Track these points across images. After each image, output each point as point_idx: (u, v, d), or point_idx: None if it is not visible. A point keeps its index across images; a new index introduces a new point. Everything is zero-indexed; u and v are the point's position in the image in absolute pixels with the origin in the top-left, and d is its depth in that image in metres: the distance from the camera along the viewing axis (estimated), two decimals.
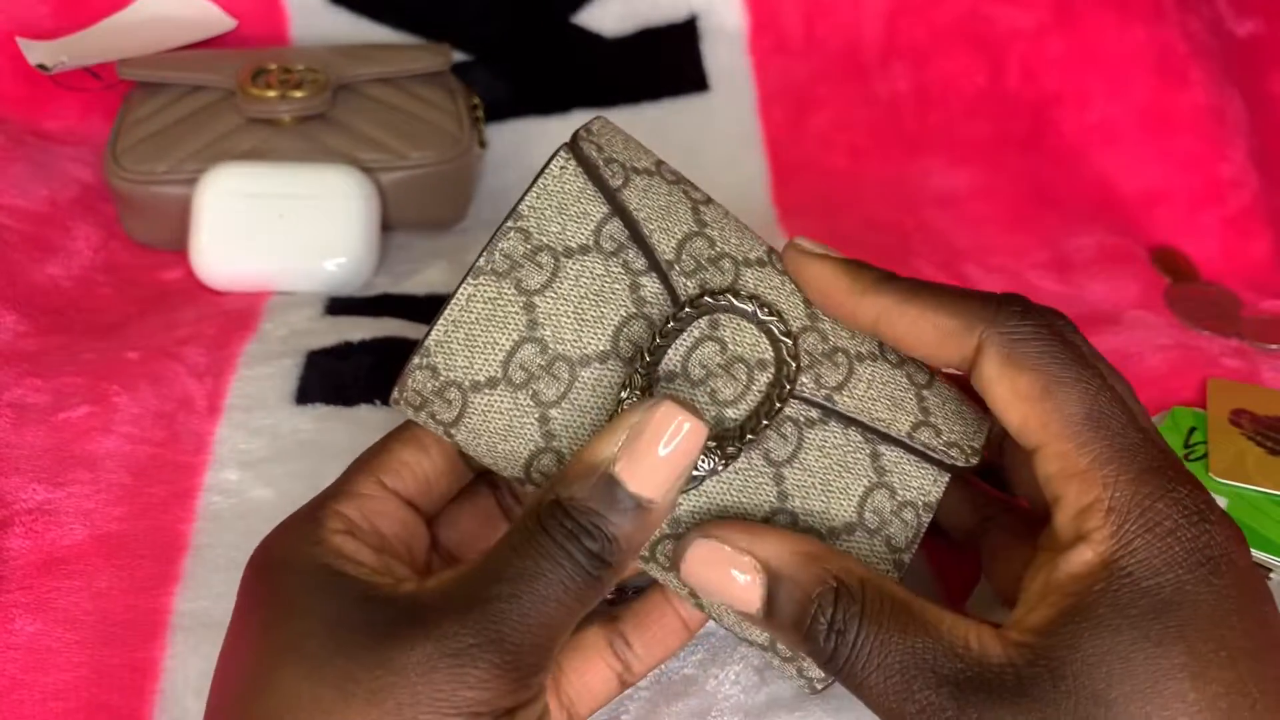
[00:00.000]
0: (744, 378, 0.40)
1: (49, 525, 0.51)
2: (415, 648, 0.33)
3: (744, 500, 0.40)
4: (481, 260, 0.39)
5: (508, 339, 0.39)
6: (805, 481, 0.40)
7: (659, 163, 0.43)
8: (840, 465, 0.40)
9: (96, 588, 0.48)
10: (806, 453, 0.40)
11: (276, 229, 0.69)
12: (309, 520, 0.38)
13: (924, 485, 0.41)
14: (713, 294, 0.40)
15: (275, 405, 0.59)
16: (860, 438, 0.41)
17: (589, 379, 0.39)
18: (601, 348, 0.39)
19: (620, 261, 0.40)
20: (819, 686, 0.41)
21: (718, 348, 0.40)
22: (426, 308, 0.68)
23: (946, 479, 0.42)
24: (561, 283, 0.39)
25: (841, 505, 0.40)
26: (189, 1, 0.83)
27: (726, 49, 0.86)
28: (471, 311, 0.39)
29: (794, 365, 0.40)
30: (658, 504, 0.35)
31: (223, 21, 0.83)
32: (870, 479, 0.41)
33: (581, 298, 0.39)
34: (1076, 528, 0.35)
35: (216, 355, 0.62)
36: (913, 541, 0.41)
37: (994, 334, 0.37)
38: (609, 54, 0.85)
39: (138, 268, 0.73)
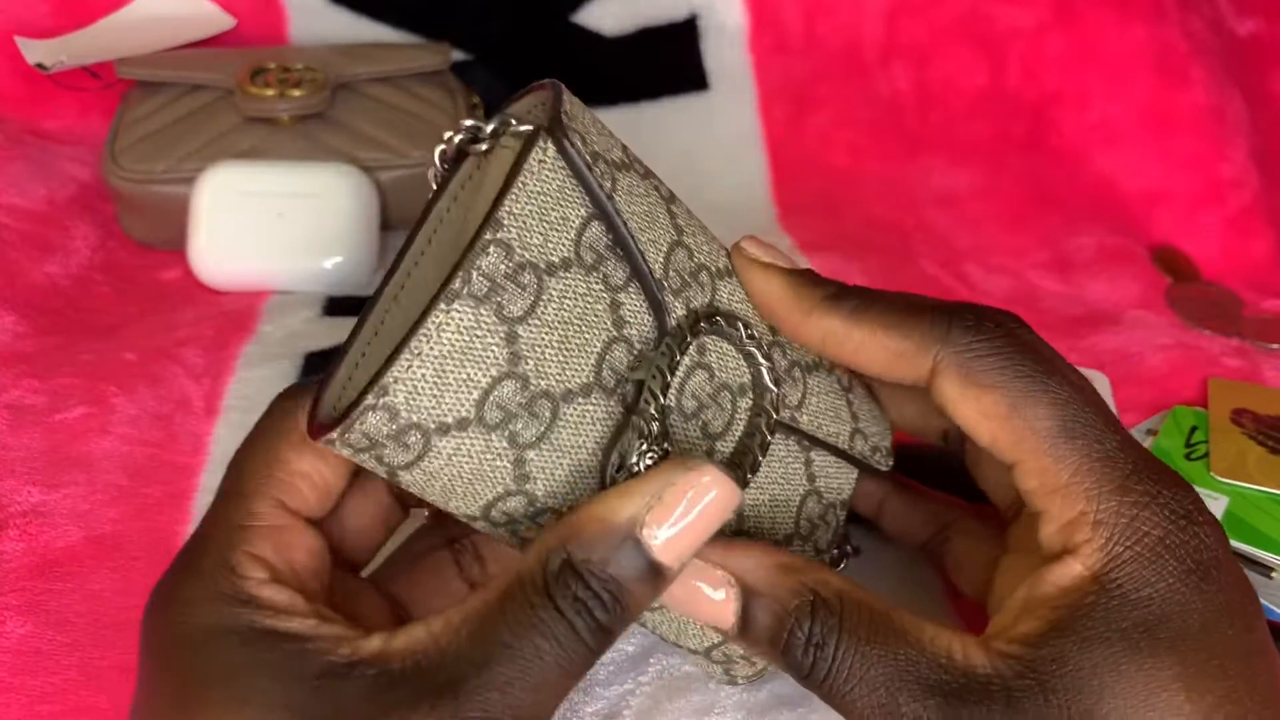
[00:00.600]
0: (729, 406, 0.38)
1: (43, 527, 0.50)
2: None
3: None
4: (457, 283, 0.31)
5: (485, 375, 0.32)
6: (758, 499, 0.39)
7: (625, 148, 0.37)
8: (784, 477, 0.39)
9: (89, 590, 0.48)
10: (760, 469, 0.38)
11: (275, 228, 0.69)
12: (222, 569, 0.33)
13: (843, 485, 0.40)
14: (705, 318, 0.36)
15: None
16: (797, 446, 0.39)
17: (572, 416, 0.34)
18: (585, 380, 0.34)
19: (600, 276, 0.34)
20: (740, 682, 0.40)
21: (706, 376, 0.37)
22: None
23: (856, 473, 0.40)
24: (546, 307, 0.33)
25: (785, 517, 0.39)
26: (187, 1, 0.83)
27: (727, 48, 0.86)
28: (443, 343, 0.31)
29: (775, 392, 0.38)
30: (673, 572, 0.32)
31: (221, 20, 0.83)
32: (805, 486, 0.39)
33: (566, 323, 0.33)
34: (1063, 541, 0.34)
35: (214, 357, 0.62)
36: (833, 542, 0.40)
37: (949, 354, 0.35)
38: (609, 53, 0.85)
39: (136, 267, 0.72)
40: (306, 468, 0.36)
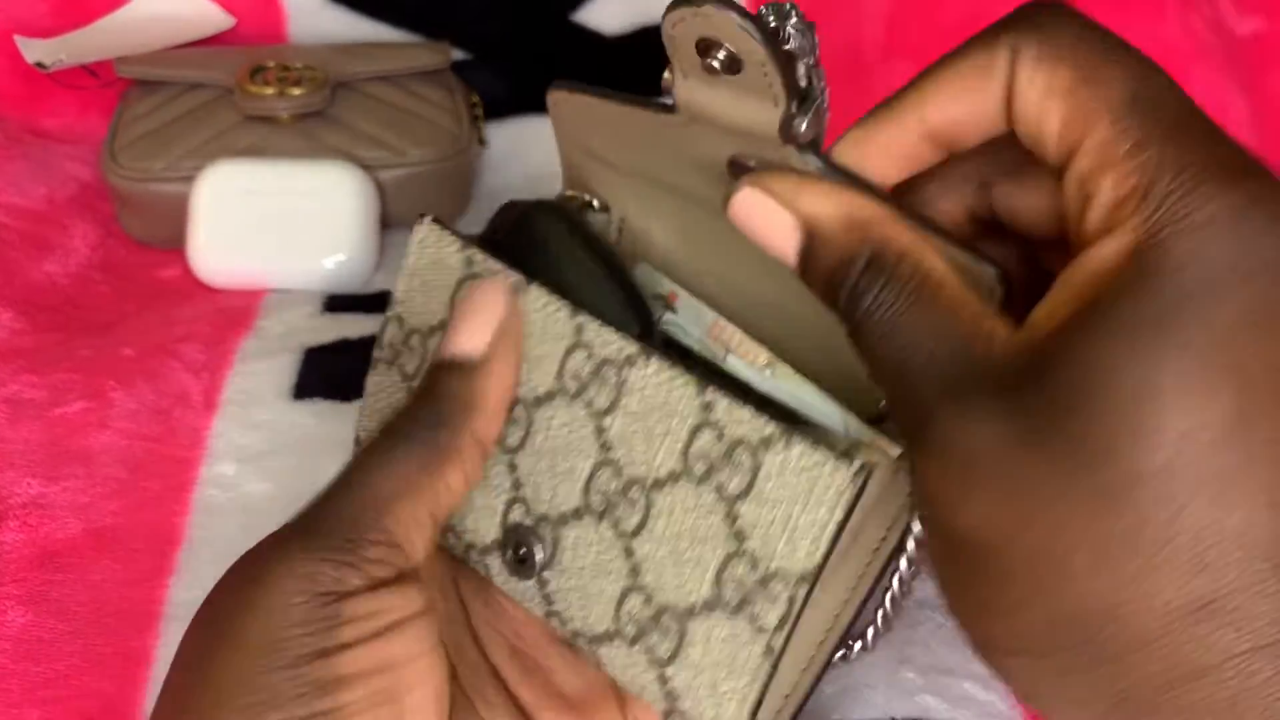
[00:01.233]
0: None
1: (43, 519, 0.50)
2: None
3: (596, 584, 0.36)
4: (374, 352, 0.41)
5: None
6: (655, 552, 0.35)
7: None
8: (690, 532, 0.35)
9: (90, 580, 0.48)
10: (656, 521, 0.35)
11: (275, 226, 0.69)
12: None
13: (797, 551, 0.33)
14: None
15: (272, 401, 0.58)
16: (714, 496, 0.34)
17: None
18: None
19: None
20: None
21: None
22: None
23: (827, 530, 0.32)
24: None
25: (695, 575, 0.34)
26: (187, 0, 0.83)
27: None
28: (379, 400, 0.41)
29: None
30: (474, 355, 0.37)
31: (221, 19, 0.83)
32: (727, 547, 0.34)
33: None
34: (1108, 221, 0.28)
35: (213, 351, 0.62)
36: (787, 619, 0.33)
37: (1024, 39, 0.30)
38: (608, 52, 0.85)
39: (135, 265, 0.72)
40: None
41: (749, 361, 0.39)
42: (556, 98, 0.42)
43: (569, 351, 0.36)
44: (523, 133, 0.83)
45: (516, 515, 0.38)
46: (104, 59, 0.78)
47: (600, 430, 0.36)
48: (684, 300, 0.41)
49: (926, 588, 0.49)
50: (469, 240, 0.40)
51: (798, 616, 0.33)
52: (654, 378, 0.35)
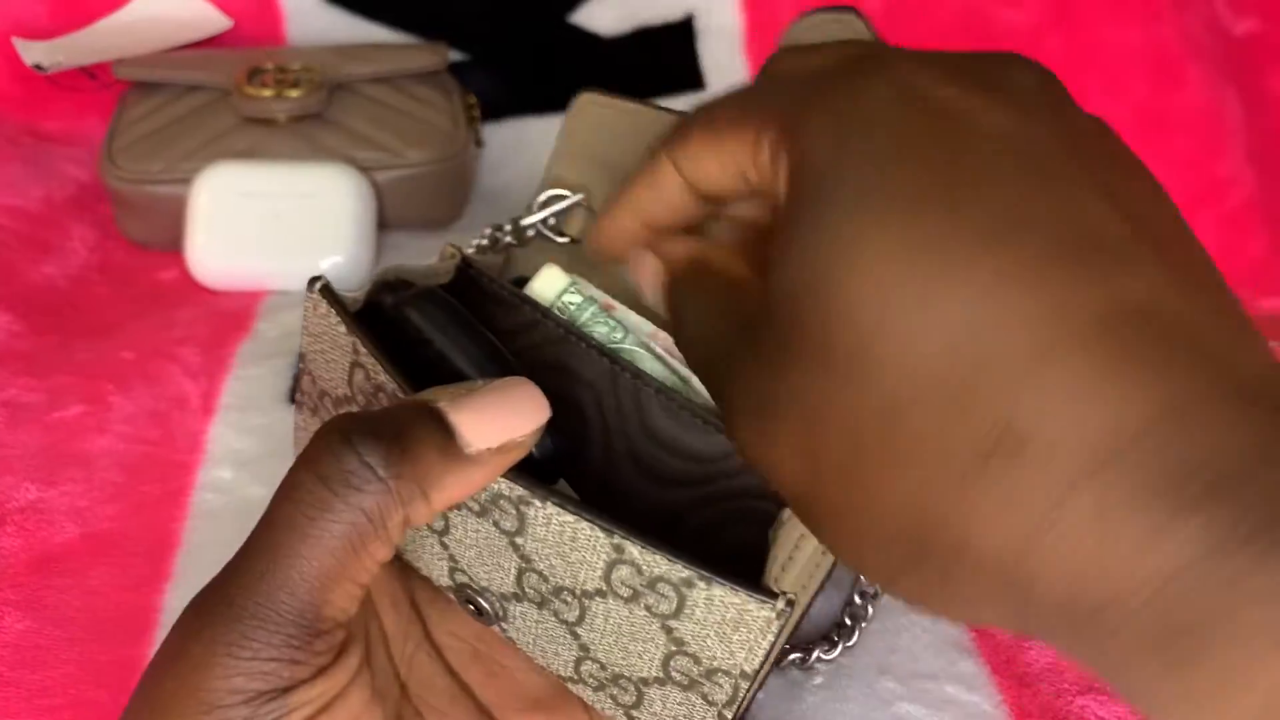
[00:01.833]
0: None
1: (40, 524, 0.50)
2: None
3: (552, 646, 0.36)
4: (296, 395, 0.40)
5: None
6: (601, 641, 0.35)
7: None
8: (628, 632, 0.34)
9: (87, 585, 0.48)
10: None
11: (272, 228, 0.69)
12: None
13: (740, 651, 0.33)
14: None
15: (270, 405, 0.59)
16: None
17: None
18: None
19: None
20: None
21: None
22: None
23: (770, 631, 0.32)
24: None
25: (641, 663, 0.34)
26: (185, 1, 0.83)
27: (723, 48, 0.86)
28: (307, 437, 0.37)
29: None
30: (471, 446, 0.31)
31: (219, 21, 0.83)
32: (664, 649, 0.33)
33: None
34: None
35: (211, 355, 0.62)
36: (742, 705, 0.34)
37: (672, 148, 0.32)
38: (605, 53, 0.85)
39: (133, 267, 0.72)
40: None
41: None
42: (585, 100, 0.42)
43: None
44: (520, 134, 0.83)
45: (461, 578, 0.36)
46: (102, 61, 0.79)
47: (515, 545, 0.33)
48: (620, 312, 0.41)
49: None
50: (353, 324, 0.35)
51: (747, 696, 0.33)
52: (556, 519, 0.32)
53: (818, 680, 0.46)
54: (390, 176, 0.73)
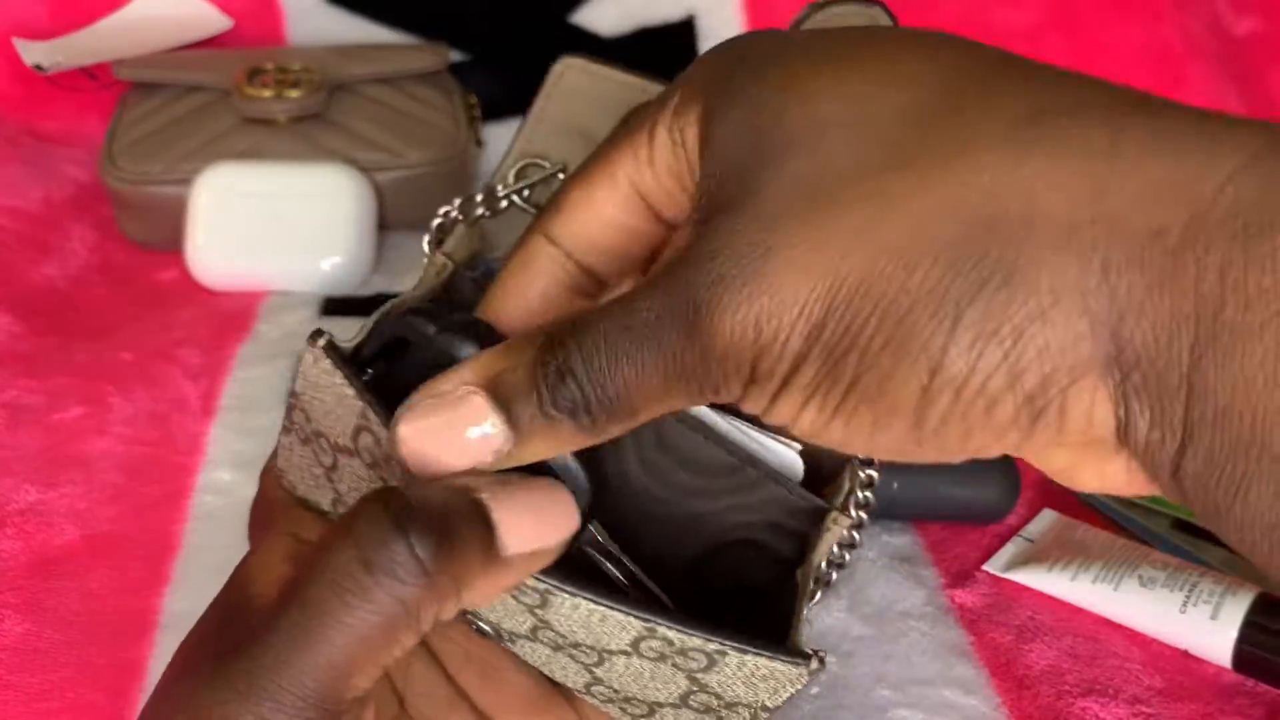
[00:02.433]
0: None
1: (40, 526, 0.50)
2: None
3: (561, 672, 0.35)
4: (284, 419, 0.35)
5: (325, 499, 0.35)
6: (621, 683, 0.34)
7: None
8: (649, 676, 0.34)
9: (87, 588, 0.48)
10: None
11: (272, 229, 0.69)
12: None
13: (761, 688, 0.33)
14: None
15: (270, 406, 0.59)
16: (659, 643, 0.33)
17: None
18: None
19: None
20: None
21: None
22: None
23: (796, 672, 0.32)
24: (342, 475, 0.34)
25: (659, 696, 0.34)
26: (185, 2, 0.83)
27: None
28: (301, 472, 0.35)
29: None
30: (508, 549, 0.30)
31: (219, 21, 0.83)
32: (682, 687, 0.33)
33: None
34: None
35: (211, 357, 0.62)
36: None
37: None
38: (606, 53, 0.85)
39: (133, 268, 0.72)
40: None
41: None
42: (567, 64, 0.42)
43: None
44: None
45: (469, 614, 0.35)
46: (102, 61, 0.79)
47: (534, 613, 0.32)
48: None
49: (912, 597, 0.49)
50: (364, 387, 0.33)
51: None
52: (585, 605, 0.31)
53: (814, 690, 0.46)
54: (390, 177, 0.73)
